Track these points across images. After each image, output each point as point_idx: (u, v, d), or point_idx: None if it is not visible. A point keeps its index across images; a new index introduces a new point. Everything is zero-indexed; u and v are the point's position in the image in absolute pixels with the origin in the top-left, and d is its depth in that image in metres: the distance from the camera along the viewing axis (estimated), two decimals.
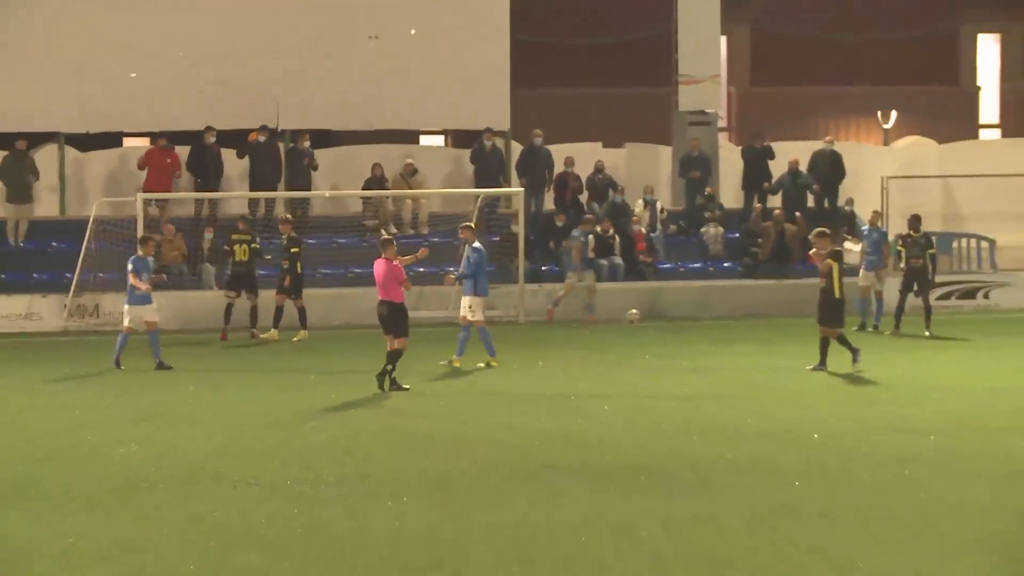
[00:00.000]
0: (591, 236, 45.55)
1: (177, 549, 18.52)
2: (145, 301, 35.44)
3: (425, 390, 31.26)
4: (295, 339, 40.77)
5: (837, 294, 33.44)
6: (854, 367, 33.09)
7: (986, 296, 47.74)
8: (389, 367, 31.33)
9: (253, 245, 40.59)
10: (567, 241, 45.74)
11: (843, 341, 33.51)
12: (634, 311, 44.33)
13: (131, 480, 22.89)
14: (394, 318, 31.26)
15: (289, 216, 42.20)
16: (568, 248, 45.49)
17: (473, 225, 36.95)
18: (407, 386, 31.30)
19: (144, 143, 50.18)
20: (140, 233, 43.09)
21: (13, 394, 33.18)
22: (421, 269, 40.98)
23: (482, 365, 35.05)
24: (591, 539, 18.65)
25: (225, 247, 41.68)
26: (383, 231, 36.19)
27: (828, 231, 35.36)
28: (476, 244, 35.02)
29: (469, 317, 35.34)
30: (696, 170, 48.63)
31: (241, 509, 20.66)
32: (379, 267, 31.71)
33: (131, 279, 35.02)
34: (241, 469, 23.50)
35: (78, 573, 17.29)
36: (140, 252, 35.18)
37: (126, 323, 35.48)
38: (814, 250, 33.99)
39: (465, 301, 35.40)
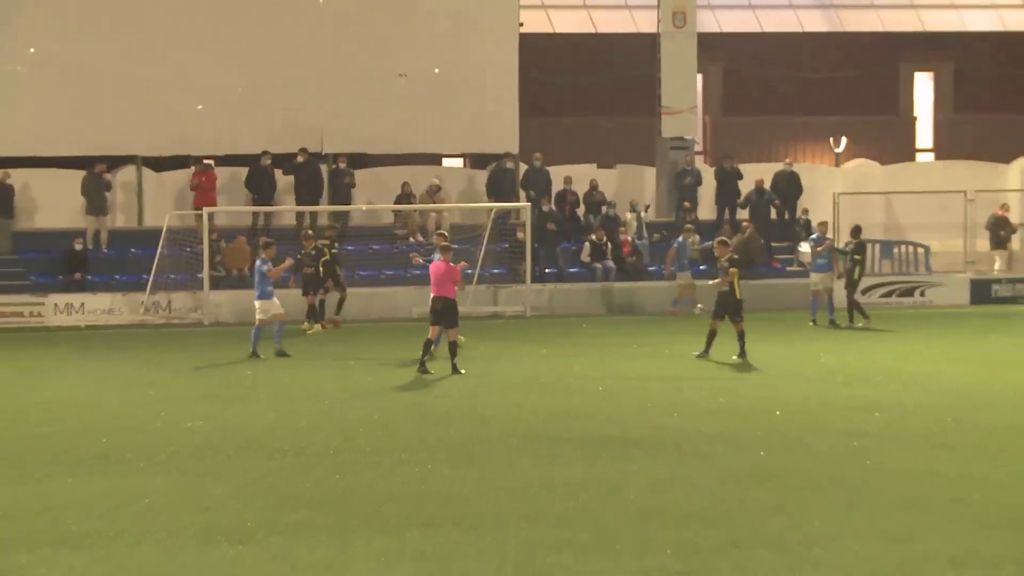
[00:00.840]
0: (685, 241, 45.67)
1: (238, 506, 18.58)
2: (271, 296, 35.52)
3: (446, 373, 31.35)
4: (308, 329, 40.66)
5: (738, 295, 33.71)
6: (740, 357, 33.34)
7: (922, 294, 47.75)
8: (456, 359, 31.35)
9: (333, 251, 40.50)
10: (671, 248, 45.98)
11: (742, 336, 33.64)
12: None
13: (199, 449, 23.00)
14: (447, 312, 31.21)
15: (310, 232, 42.15)
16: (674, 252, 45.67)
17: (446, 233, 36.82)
18: (464, 371, 31.21)
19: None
20: (206, 242, 43.33)
21: (99, 376, 33.34)
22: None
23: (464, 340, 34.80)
24: (586, 498, 18.70)
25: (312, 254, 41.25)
26: (438, 238, 36.01)
27: (728, 240, 35.86)
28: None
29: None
30: (688, 178, 48.74)
31: (291, 474, 20.75)
32: (438, 268, 31.67)
33: (270, 275, 35.35)
34: (291, 440, 23.56)
35: (157, 524, 17.35)
36: (263, 255, 35.43)
37: (259, 317, 35.39)
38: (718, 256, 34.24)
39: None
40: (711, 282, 35.84)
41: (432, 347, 31.54)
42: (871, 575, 14.88)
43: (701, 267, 47.34)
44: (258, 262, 35.30)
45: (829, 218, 45.90)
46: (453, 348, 31.30)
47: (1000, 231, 49.16)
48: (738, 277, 33.76)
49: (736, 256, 34.94)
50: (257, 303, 35.39)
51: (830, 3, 57.96)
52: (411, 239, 47.19)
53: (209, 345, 38.58)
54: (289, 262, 37.65)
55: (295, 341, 37.62)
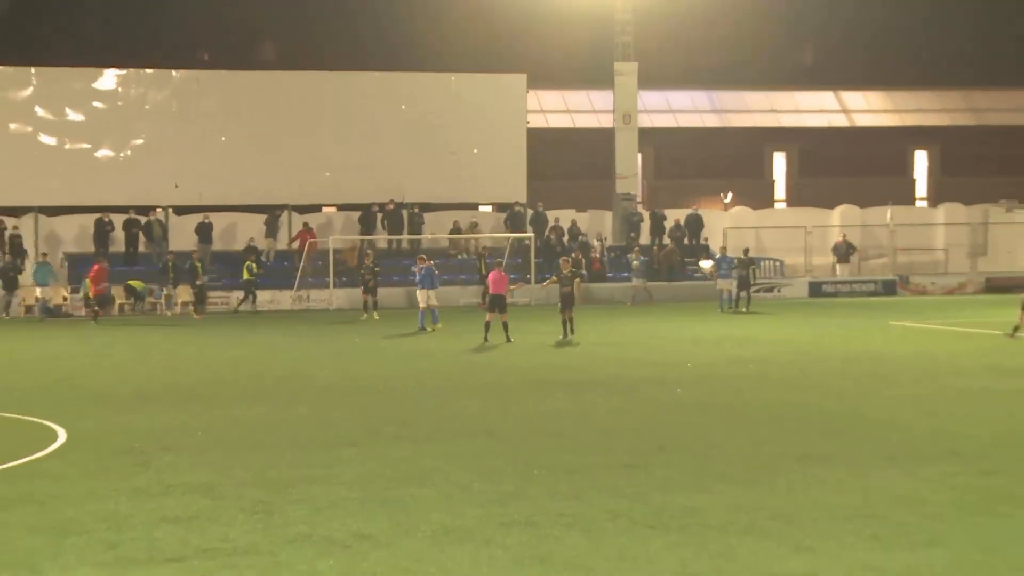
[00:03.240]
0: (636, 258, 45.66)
1: (350, 424, 18.59)
2: (427, 287, 34.91)
3: (469, 344, 31.29)
4: (367, 318, 39.31)
5: (576, 295, 32.47)
6: (570, 338, 31.59)
7: (779, 291, 47.64)
8: (508, 332, 30.95)
9: (376, 269, 40.19)
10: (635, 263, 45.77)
11: (572, 321, 31.92)
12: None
13: (328, 387, 23.09)
14: (501, 303, 31.11)
15: (369, 251, 42.03)
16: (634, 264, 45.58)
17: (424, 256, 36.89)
18: (512, 341, 30.69)
19: (330, 209, 50.04)
20: (332, 259, 43.35)
21: (265, 342, 33.25)
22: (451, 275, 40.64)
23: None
24: (568, 420, 18.79)
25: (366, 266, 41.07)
26: (505, 258, 36.32)
27: (571, 258, 35.47)
28: (430, 264, 35.33)
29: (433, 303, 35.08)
30: (633, 218, 48.80)
31: (384, 403, 20.80)
32: (496, 275, 31.62)
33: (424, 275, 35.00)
34: (383, 382, 23.58)
35: (297, 436, 17.38)
36: (418, 264, 35.67)
37: (422, 304, 34.81)
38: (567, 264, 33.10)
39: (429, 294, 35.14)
40: (551, 286, 35.12)
41: (487, 329, 31.05)
42: (744, 467, 14.86)
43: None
44: (425, 268, 35.18)
45: (718, 246, 45.83)
46: (506, 326, 31.03)
47: (843, 251, 49.09)
48: (577, 284, 33.34)
49: (575, 269, 34.25)
50: (419, 293, 35.12)
51: (721, 109, 57.92)
52: (460, 256, 47.30)
53: (334, 323, 38.57)
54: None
55: (366, 324, 37.49)
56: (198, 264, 41.11)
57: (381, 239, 47.14)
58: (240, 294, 42.44)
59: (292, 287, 44.19)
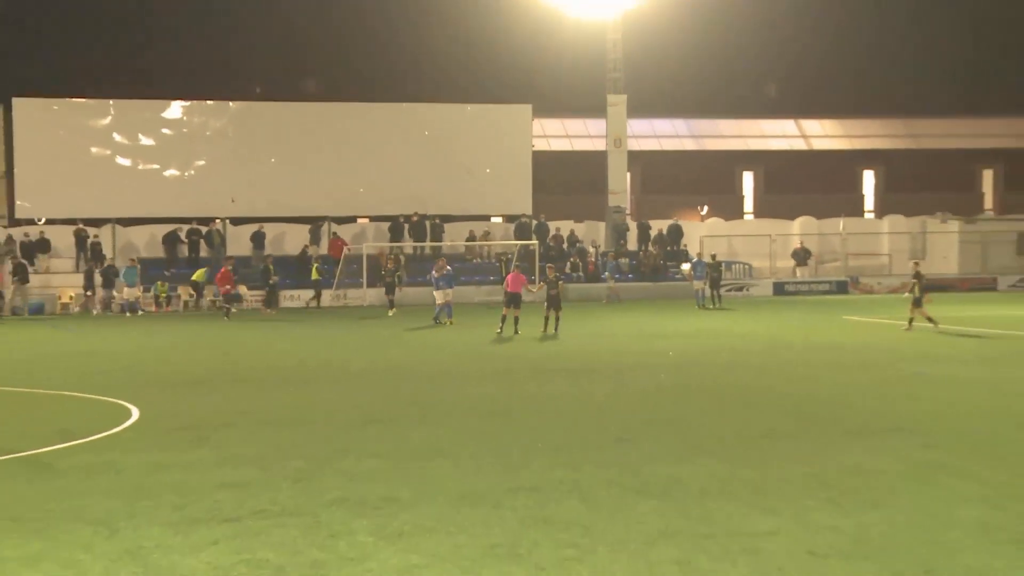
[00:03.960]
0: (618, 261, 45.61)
1: (377, 405, 18.56)
2: (444, 287, 34.66)
3: (483, 337, 31.24)
4: (392, 314, 38.54)
5: (560, 296, 31.97)
6: (554, 334, 30.99)
7: (747, 290, 47.50)
8: (517, 326, 30.74)
9: (398, 273, 39.99)
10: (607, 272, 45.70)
11: (559, 320, 31.56)
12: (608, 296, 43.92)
13: (359, 373, 23.03)
14: (517, 300, 30.83)
15: (391, 256, 42.01)
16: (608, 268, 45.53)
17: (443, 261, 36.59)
18: (519, 333, 30.48)
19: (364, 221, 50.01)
20: (364, 263, 43.30)
21: (308, 333, 33.05)
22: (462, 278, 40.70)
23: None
24: (567, 401, 18.71)
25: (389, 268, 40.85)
26: (514, 262, 36.17)
27: (553, 265, 35.11)
28: (449, 268, 35.22)
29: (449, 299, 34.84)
30: (623, 228, 48.68)
31: (408, 387, 20.75)
32: (514, 276, 31.42)
33: (443, 277, 34.68)
34: (409, 368, 23.56)
35: (329, 415, 17.34)
36: (437, 269, 35.22)
37: (439, 300, 34.57)
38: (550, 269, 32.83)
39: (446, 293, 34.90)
40: (536, 290, 34.67)
41: (502, 322, 30.89)
42: (718, 441, 14.80)
43: (629, 275, 47.19)
44: (442, 271, 34.93)
45: (695, 251, 45.67)
46: (517, 320, 30.80)
47: (801, 256, 48.96)
48: (561, 286, 32.86)
49: (559, 274, 33.77)
50: (435, 292, 34.91)
51: (698, 135, 57.75)
52: (474, 261, 47.24)
53: (365, 318, 38.52)
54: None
55: (390, 319, 37.41)
56: (271, 267, 40.99)
57: (407, 246, 47.08)
58: (291, 292, 42.50)
59: (331, 287, 44.13)
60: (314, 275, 41.94)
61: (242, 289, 41.63)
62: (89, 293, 39.61)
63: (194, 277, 41.14)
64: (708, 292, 40.80)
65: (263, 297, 41.60)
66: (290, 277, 43.65)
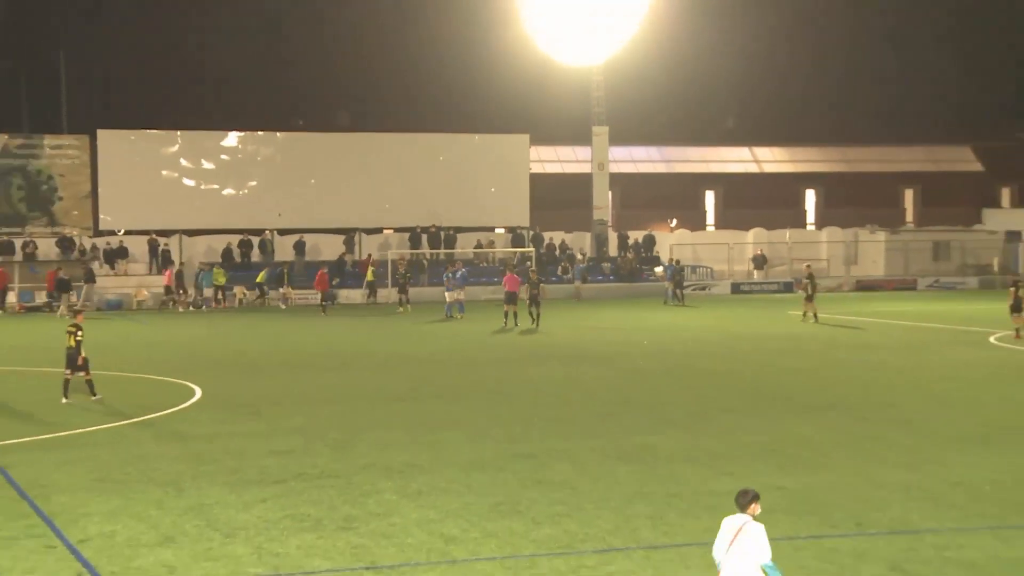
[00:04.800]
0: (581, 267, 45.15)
1: (401, 387, 18.43)
2: (452, 289, 33.66)
3: (488, 329, 31.06)
4: (402, 311, 36.24)
5: (540, 295, 29.81)
6: (534, 327, 28.93)
7: (709, 290, 47.21)
8: (517, 319, 29.24)
9: (408, 275, 39.04)
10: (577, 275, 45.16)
11: (539, 316, 29.42)
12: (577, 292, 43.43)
13: (384, 360, 22.51)
14: (514, 298, 29.90)
15: (402, 261, 41.04)
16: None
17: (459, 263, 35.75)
18: (518, 326, 28.93)
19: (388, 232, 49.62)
20: (389, 267, 42.74)
21: (341, 327, 32.18)
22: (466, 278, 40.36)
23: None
24: (560, 383, 18.62)
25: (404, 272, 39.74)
26: (509, 264, 35.33)
27: (536, 270, 33.83)
28: (463, 270, 34.59)
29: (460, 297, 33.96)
30: (605, 237, 48.26)
31: (423, 370, 20.53)
32: (511, 278, 30.53)
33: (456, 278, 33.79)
34: (424, 356, 23.35)
35: (355, 395, 17.27)
36: (451, 269, 34.28)
37: (448, 299, 33.42)
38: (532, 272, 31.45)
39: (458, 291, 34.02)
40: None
41: (505, 317, 29.76)
42: (685, 415, 14.77)
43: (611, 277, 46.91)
44: (457, 273, 34.09)
45: (667, 257, 45.48)
46: (516, 315, 29.23)
47: (759, 261, 48.59)
48: (542, 288, 30.88)
49: (540, 278, 31.96)
50: (446, 293, 33.90)
51: (668, 159, 57.54)
52: (481, 265, 47.05)
53: (389, 314, 38.16)
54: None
55: (408, 315, 37.16)
56: (326, 272, 40.19)
57: (425, 252, 46.94)
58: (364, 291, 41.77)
59: (362, 287, 43.94)
60: (369, 276, 41.51)
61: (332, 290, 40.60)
62: (181, 292, 38.98)
63: (258, 279, 40.93)
64: (672, 291, 40.57)
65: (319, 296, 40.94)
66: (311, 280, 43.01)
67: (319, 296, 37.69)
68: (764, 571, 6.53)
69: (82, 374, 16.39)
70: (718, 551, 6.68)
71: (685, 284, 42.48)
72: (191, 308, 38.27)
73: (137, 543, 9.17)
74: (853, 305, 37.62)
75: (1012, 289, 24.59)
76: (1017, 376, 19.07)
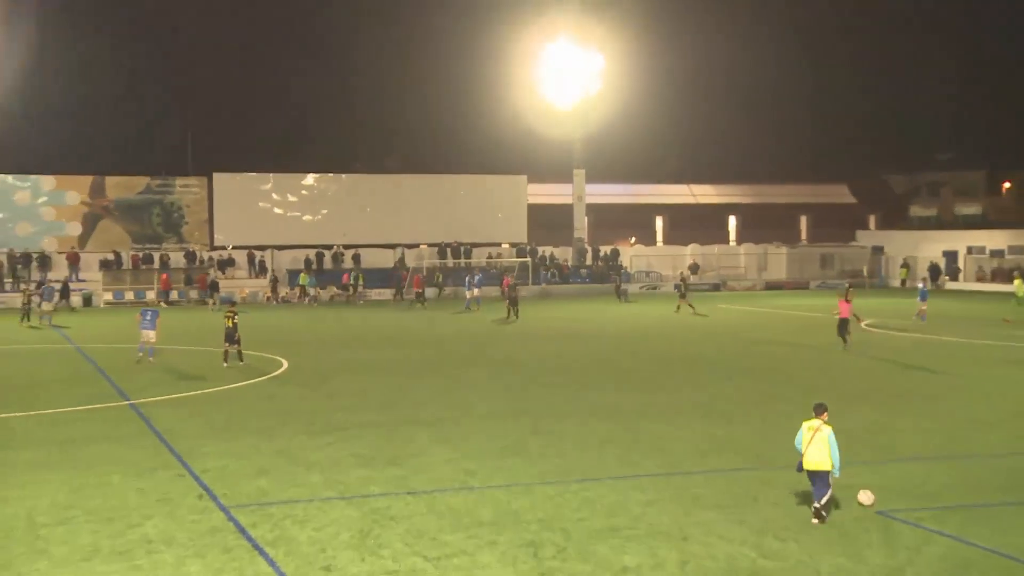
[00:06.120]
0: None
1: (431, 360, 18.02)
2: (471, 288, 32.19)
3: (493, 317, 30.72)
4: (420, 307, 33.22)
5: (517, 296, 27.96)
6: (514, 319, 26.85)
7: (658, 289, 46.64)
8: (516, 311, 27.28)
9: (440, 278, 38.31)
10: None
11: (518, 311, 27.34)
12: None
13: (418, 339, 21.94)
14: (514, 296, 28.46)
15: (420, 270, 39.48)
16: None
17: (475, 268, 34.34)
18: (517, 319, 26.70)
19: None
20: (412, 273, 42.46)
21: (388, 317, 30.37)
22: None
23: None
24: (549, 357, 18.29)
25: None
26: (506, 274, 34.37)
27: (515, 275, 32.42)
28: (480, 275, 33.71)
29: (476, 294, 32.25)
30: (583, 251, 47.82)
31: (448, 347, 19.98)
32: (508, 281, 30.14)
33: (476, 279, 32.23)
34: (449, 336, 22.86)
35: (407, 365, 17.02)
36: (471, 272, 32.86)
37: (468, 295, 31.53)
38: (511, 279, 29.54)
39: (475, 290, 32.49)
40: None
41: (508, 311, 28.29)
42: (642, 381, 14.64)
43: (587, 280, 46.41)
44: (475, 277, 32.89)
45: (628, 265, 45.05)
46: (517, 310, 27.34)
47: (694, 268, 48.07)
48: (518, 289, 28.74)
49: (520, 282, 30.06)
50: (467, 292, 32.48)
51: (631, 194, 57.17)
52: (492, 271, 46.78)
53: (427, 309, 37.87)
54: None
55: (431, 310, 35.23)
56: (421, 276, 38.85)
57: (449, 262, 46.85)
58: (375, 291, 41.52)
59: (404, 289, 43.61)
60: (439, 278, 40.73)
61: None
62: (290, 290, 38.39)
63: (301, 281, 40.01)
64: (621, 293, 39.12)
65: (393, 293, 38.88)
66: (382, 282, 42.75)
67: (414, 293, 35.59)
68: (831, 457, 7.43)
69: (236, 346, 16.68)
70: (800, 443, 7.61)
71: (642, 285, 41.99)
72: (281, 302, 38.00)
73: (240, 474, 9.16)
74: (763, 300, 37.44)
75: (847, 290, 24.38)
76: (878, 349, 19.00)
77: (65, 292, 31.56)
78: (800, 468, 7.55)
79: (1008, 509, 7.89)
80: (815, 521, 7.39)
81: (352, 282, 39.12)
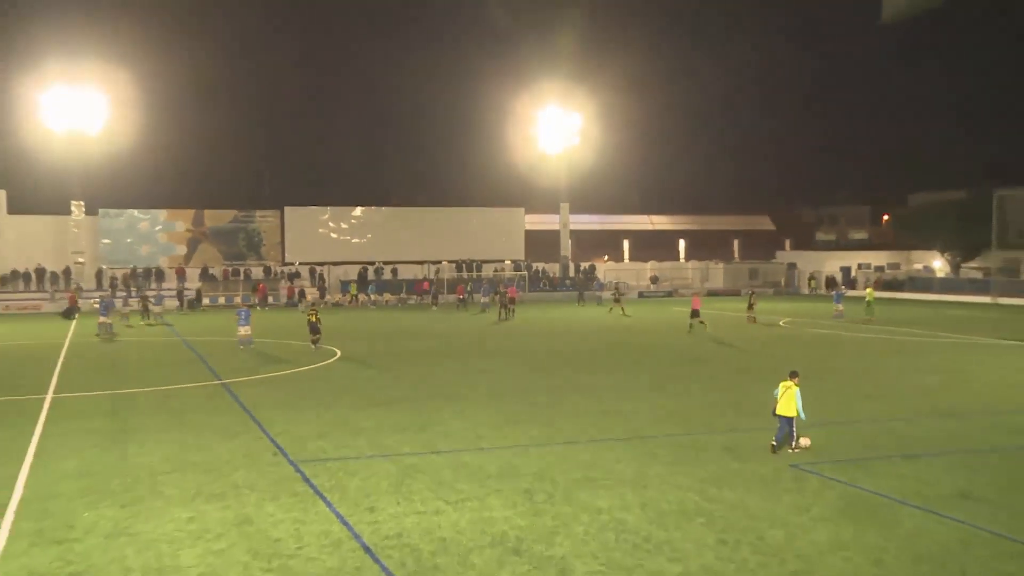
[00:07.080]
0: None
1: (449, 350, 17.66)
2: (481, 294, 30.76)
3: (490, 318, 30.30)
4: (435, 310, 31.87)
5: (515, 303, 26.97)
6: (507, 320, 25.80)
7: (625, 295, 46.39)
8: (513, 315, 26.54)
9: (469, 285, 37.91)
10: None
11: (513, 312, 26.35)
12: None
13: (440, 333, 21.58)
14: (512, 301, 27.40)
15: (433, 280, 38.70)
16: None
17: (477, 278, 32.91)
18: (513, 319, 25.96)
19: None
20: (446, 283, 42.23)
21: (416, 317, 30.26)
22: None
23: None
24: (541, 349, 17.98)
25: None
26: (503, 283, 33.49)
27: (514, 285, 30.96)
28: (487, 284, 33.03)
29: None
30: (568, 263, 47.46)
31: (464, 340, 19.71)
32: (511, 289, 29.48)
33: (485, 288, 30.41)
34: (464, 332, 22.31)
35: (432, 354, 16.82)
36: (482, 282, 32.08)
37: (480, 300, 30.72)
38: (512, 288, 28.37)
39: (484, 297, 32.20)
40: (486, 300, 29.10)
41: (499, 312, 27.96)
42: (614, 366, 14.63)
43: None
44: (486, 285, 32.36)
45: (604, 279, 44.67)
46: (514, 312, 26.91)
47: (655, 280, 47.84)
48: (509, 296, 27.26)
49: (506, 288, 28.86)
50: (480, 298, 31.92)
51: (604, 223, 57.07)
52: (496, 281, 46.59)
53: (438, 311, 37.53)
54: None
55: (441, 312, 31.63)
56: (463, 285, 38.23)
57: (465, 275, 46.70)
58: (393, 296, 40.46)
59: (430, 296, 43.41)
60: (469, 287, 39.43)
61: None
62: (342, 296, 38.01)
63: (352, 291, 39.65)
64: (581, 298, 38.67)
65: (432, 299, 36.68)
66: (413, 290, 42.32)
67: (457, 299, 33.93)
68: (797, 410, 7.96)
69: (318, 335, 17.61)
70: (777, 395, 8.14)
71: (611, 292, 41.95)
72: (332, 306, 37.72)
73: (304, 437, 9.20)
74: (704, 303, 37.10)
75: (751, 295, 24.60)
76: (791, 340, 18.93)
77: (180, 297, 32.78)
78: (774, 412, 8.19)
79: (887, 461, 8.01)
80: (771, 451, 8.05)
81: (431, 289, 37.48)
